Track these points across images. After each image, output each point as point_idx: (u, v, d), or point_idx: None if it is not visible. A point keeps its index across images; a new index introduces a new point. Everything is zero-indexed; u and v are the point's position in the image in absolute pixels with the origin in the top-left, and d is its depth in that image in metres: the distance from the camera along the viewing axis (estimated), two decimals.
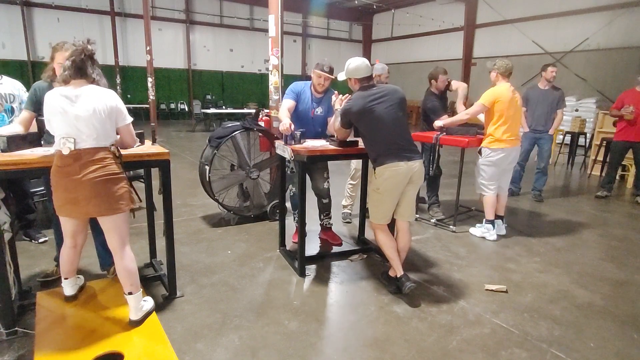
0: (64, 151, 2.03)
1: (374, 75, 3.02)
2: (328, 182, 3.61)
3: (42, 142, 2.44)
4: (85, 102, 2.03)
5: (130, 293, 2.23)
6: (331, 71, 3.31)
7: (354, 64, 2.78)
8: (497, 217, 4.03)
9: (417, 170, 2.72)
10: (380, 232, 2.83)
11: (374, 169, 2.75)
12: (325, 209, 3.72)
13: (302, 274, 3.07)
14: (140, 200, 2.31)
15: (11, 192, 3.12)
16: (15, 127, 2.57)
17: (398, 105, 2.71)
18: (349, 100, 2.83)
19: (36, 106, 2.61)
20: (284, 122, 3.11)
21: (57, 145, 2.07)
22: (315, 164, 3.45)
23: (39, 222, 3.74)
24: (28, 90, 3.21)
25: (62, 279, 2.40)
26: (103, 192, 2.07)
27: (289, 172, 3.51)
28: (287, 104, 3.37)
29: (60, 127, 2.05)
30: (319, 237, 3.85)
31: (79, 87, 2.06)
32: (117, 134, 2.25)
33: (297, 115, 3.42)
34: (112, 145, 2.15)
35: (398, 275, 2.77)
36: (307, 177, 3.42)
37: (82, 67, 2.06)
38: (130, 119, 2.25)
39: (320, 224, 3.82)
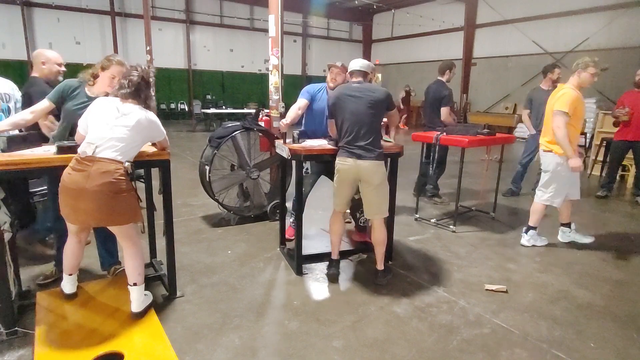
0: (82, 154, 2.07)
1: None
2: None
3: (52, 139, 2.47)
4: (129, 122, 2.13)
5: (135, 284, 2.27)
6: (343, 67, 3.35)
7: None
8: (564, 224, 3.90)
9: (367, 170, 2.75)
10: (332, 216, 3.03)
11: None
12: (360, 205, 3.63)
13: (299, 272, 3.08)
14: (141, 201, 2.33)
15: (11, 192, 3.12)
16: (25, 115, 2.54)
17: (371, 104, 2.75)
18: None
19: (59, 101, 2.60)
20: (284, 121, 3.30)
21: (81, 148, 2.12)
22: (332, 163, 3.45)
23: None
24: (22, 89, 3.17)
25: (66, 275, 2.41)
26: (105, 207, 2.09)
27: (303, 173, 3.48)
28: (300, 102, 3.44)
29: (93, 133, 2.11)
30: (354, 241, 3.75)
31: (130, 105, 2.17)
32: (153, 144, 2.49)
33: (312, 115, 3.47)
34: (128, 161, 2.17)
35: (333, 257, 3.05)
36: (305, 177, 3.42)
37: (138, 90, 2.19)
38: (164, 133, 2.40)
39: (358, 225, 3.76)
